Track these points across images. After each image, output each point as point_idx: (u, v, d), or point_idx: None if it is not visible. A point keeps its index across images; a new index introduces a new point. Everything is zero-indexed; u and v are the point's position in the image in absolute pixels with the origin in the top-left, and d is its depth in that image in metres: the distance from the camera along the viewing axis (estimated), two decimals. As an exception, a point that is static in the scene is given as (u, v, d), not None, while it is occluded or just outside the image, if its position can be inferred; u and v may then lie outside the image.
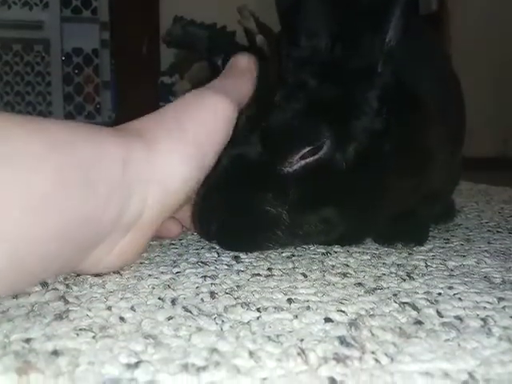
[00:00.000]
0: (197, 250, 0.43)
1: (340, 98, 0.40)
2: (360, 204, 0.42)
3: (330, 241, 0.45)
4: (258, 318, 0.28)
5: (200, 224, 0.43)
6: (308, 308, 0.29)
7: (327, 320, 0.27)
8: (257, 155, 0.40)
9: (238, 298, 0.31)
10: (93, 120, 2.14)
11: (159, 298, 0.30)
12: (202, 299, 0.31)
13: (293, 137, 0.40)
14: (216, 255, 0.41)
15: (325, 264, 0.39)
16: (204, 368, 0.22)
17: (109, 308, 0.29)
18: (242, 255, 0.41)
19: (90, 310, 0.28)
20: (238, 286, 0.33)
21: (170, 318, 0.27)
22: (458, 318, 0.28)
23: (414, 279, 0.35)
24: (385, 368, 0.22)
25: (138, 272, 0.36)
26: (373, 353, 0.23)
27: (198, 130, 0.36)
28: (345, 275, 0.36)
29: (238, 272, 0.37)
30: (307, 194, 0.40)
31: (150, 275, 0.35)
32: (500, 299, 0.31)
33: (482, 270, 0.38)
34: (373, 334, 0.26)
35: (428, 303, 0.30)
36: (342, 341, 0.25)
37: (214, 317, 0.28)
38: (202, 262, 0.39)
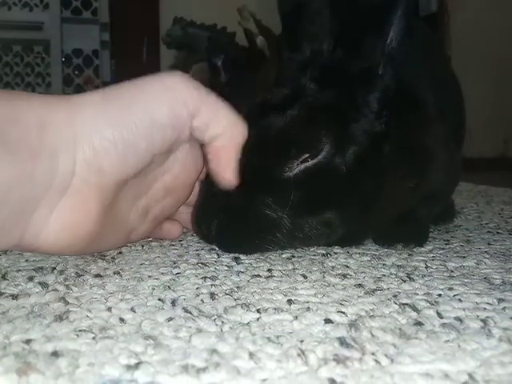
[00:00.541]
0: (197, 251, 0.43)
1: (340, 101, 0.40)
2: (360, 206, 0.42)
3: (330, 242, 0.45)
4: (257, 319, 0.28)
5: (199, 226, 0.43)
6: (308, 309, 0.29)
7: (327, 321, 0.27)
8: (257, 159, 0.40)
9: (237, 299, 0.31)
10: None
11: (159, 299, 0.30)
12: (202, 300, 0.31)
13: (293, 142, 0.40)
14: (216, 256, 0.41)
15: (325, 265, 0.39)
16: (204, 369, 0.22)
17: (109, 309, 0.29)
18: (242, 256, 0.41)
19: (90, 311, 0.28)
20: (237, 287, 0.33)
21: (170, 319, 0.27)
22: (458, 319, 0.28)
23: (414, 280, 0.35)
24: (385, 369, 0.22)
25: (138, 273, 0.36)
26: (373, 354, 0.23)
27: (136, 96, 0.36)
28: (345, 276, 0.36)
29: (238, 273, 0.37)
30: (308, 198, 0.40)
31: (150, 276, 0.35)
32: (500, 300, 0.31)
33: (482, 271, 0.38)
34: (373, 335, 0.26)
35: (428, 304, 0.30)
36: (342, 342, 0.25)
37: (213, 318, 0.28)
38: (202, 263, 0.39)
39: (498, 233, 0.55)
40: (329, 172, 0.40)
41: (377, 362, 0.23)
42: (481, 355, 0.24)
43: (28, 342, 0.24)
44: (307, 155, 0.39)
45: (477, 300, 0.31)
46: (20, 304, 0.29)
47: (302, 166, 0.40)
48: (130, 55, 2.26)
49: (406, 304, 0.30)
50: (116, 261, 0.39)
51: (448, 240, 0.50)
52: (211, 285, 0.34)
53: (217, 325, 0.27)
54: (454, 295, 0.32)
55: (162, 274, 0.36)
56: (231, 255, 0.41)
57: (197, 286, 0.33)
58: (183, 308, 0.29)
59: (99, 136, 0.34)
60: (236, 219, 0.41)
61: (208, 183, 0.42)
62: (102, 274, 0.35)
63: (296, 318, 0.28)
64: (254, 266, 0.39)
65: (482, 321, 0.28)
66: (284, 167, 0.40)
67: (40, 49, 2.19)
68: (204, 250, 0.44)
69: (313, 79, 0.41)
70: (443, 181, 0.50)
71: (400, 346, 0.25)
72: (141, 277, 0.35)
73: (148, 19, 2.33)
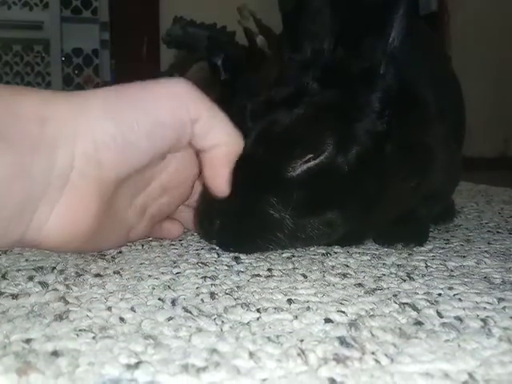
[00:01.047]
0: (197, 250, 0.43)
1: (342, 101, 0.40)
2: (362, 206, 0.42)
3: (330, 242, 0.45)
4: (257, 318, 0.28)
5: (202, 224, 0.43)
6: (308, 308, 0.29)
7: (327, 320, 0.27)
8: (260, 159, 0.40)
9: (237, 298, 0.31)
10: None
11: (159, 299, 0.30)
12: (202, 300, 0.31)
13: (296, 142, 0.40)
14: (216, 256, 0.41)
15: (325, 265, 0.39)
16: (204, 369, 0.22)
17: (109, 308, 0.29)
18: (242, 256, 0.41)
19: (90, 311, 0.28)
20: (237, 287, 0.33)
21: (170, 319, 0.27)
22: (458, 318, 0.28)
23: (414, 280, 0.35)
24: (385, 368, 0.22)
25: (138, 272, 0.36)
26: (373, 353, 0.23)
27: (139, 96, 0.36)
28: (345, 276, 0.36)
29: (238, 273, 0.37)
30: (310, 198, 0.40)
31: (150, 276, 0.35)
32: (500, 300, 0.31)
33: (482, 271, 0.38)
34: (373, 335, 0.26)
35: (428, 304, 0.30)
36: (342, 341, 0.25)
37: (213, 317, 0.28)
38: (202, 263, 0.39)
39: (498, 232, 0.55)
40: (331, 172, 0.40)
41: (377, 361, 0.23)
42: (481, 355, 0.24)
43: (28, 341, 0.24)
44: (311, 155, 0.39)
45: (477, 299, 0.31)
46: (20, 303, 0.29)
47: (305, 166, 0.40)
48: (129, 54, 2.25)
49: (406, 303, 0.30)
50: (116, 260, 0.39)
51: (448, 239, 0.50)
52: (211, 284, 0.34)
53: (217, 324, 0.27)
54: (454, 294, 0.32)
55: (162, 273, 0.36)
56: (231, 255, 0.41)
57: (197, 286, 0.33)
58: (183, 307, 0.29)
59: (100, 131, 0.35)
60: (239, 218, 0.41)
61: None
62: (101, 273, 0.35)
63: (296, 317, 0.28)
64: (254, 265, 0.39)
65: (482, 320, 0.28)
66: (288, 166, 0.40)
67: (40, 48, 2.19)
68: (204, 249, 0.44)
69: (315, 79, 0.41)
70: (443, 180, 0.50)
71: (400, 345, 0.25)
72: (141, 276, 0.35)
73: (148, 18, 2.32)
